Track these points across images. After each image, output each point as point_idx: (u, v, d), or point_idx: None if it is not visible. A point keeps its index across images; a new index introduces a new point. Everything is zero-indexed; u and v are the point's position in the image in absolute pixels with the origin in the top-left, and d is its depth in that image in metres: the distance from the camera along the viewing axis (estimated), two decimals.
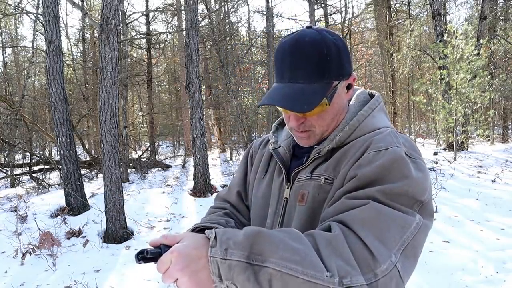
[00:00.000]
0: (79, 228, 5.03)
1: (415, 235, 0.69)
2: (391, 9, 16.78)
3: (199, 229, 0.86)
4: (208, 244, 0.64)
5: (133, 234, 4.99)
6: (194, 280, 0.62)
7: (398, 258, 0.66)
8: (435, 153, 10.34)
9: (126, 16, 10.67)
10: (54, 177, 9.48)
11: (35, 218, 5.10)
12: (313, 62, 0.79)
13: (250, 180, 1.06)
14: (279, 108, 0.85)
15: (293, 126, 0.85)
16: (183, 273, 0.61)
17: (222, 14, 13.59)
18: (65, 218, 5.22)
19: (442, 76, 9.53)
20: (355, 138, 0.83)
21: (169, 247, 0.64)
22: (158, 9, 12.25)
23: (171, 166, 11.65)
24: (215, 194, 7.65)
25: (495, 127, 14.53)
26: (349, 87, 0.87)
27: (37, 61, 13.49)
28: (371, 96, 0.95)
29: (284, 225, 0.88)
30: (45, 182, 8.58)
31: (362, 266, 0.63)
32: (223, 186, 7.94)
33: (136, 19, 13.60)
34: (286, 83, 0.81)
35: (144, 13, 11.87)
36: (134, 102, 18.43)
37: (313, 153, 0.86)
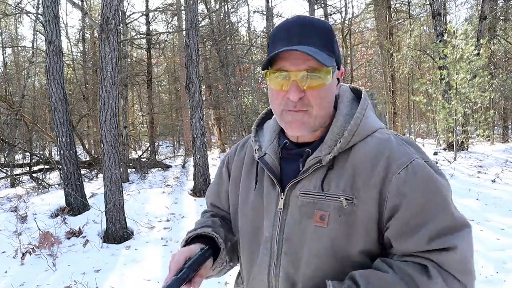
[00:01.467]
0: (79, 228, 5.03)
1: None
2: (391, 9, 16.78)
3: (192, 238, 0.92)
4: None
5: (133, 234, 4.99)
6: None
7: (474, 271, 0.77)
8: (435, 153, 10.34)
9: (126, 16, 10.68)
10: (54, 177, 9.48)
11: (35, 218, 5.09)
12: (323, 34, 0.78)
13: (230, 190, 0.99)
14: (271, 84, 0.79)
15: (292, 98, 0.76)
16: None
17: (222, 14, 13.60)
18: (65, 218, 5.22)
19: (442, 76, 9.52)
20: (354, 143, 0.80)
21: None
22: (158, 9, 12.25)
23: (171, 166, 11.65)
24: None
25: (495, 127, 14.53)
26: (338, 80, 0.85)
27: (37, 61, 13.49)
28: (354, 91, 0.92)
29: (286, 239, 0.83)
30: (45, 182, 8.58)
31: None
32: None
33: (136, 19, 13.62)
34: (295, 45, 0.75)
35: (144, 13, 11.87)
36: (134, 102, 18.43)
37: (310, 160, 0.81)
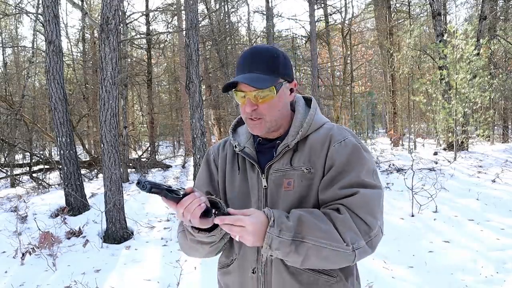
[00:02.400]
0: (79, 228, 5.03)
1: (382, 200, 1.05)
2: (391, 9, 16.78)
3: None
4: (266, 221, 0.95)
5: (133, 234, 4.99)
6: (254, 239, 0.93)
7: (380, 221, 1.02)
8: (435, 153, 10.34)
9: (126, 16, 10.67)
10: (54, 177, 9.48)
11: (35, 218, 5.09)
12: (266, 60, 1.07)
13: (220, 181, 1.22)
14: (237, 100, 1.09)
15: (247, 111, 1.06)
16: (251, 234, 0.93)
17: (222, 14, 13.59)
18: (65, 218, 5.22)
19: (442, 76, 9.52)
20: (311, 131, 1.11)
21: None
22: (158, 9, 12.25)
23: (171, 166, 11.65)
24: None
25: (495, 127, 14.53)
26: (291, 90, 1.13)
27: (37, 61, 13.49)
28: (305, 99, 1.23)
29: (270, 207, 1.06)
30: (45, 182, 8.58)
31: (363, 234, 0.97)
32: None
33: (136, 19, 13.60)
34: (245, 73, 1.06)
35: (144, 13, 11.87)
36: (134, 102, 18.43)
37: (280, 147, 1.10)
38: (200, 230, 1.04)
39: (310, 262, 0.95)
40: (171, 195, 0.95)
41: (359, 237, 0.96)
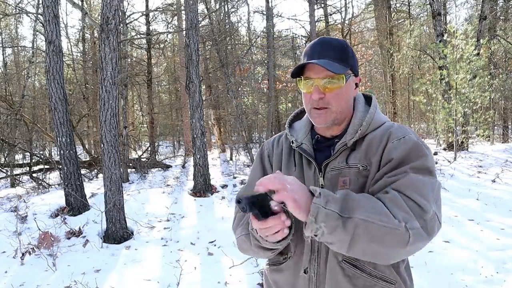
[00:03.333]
0: (79, 228, 5.03)
1: (439, 191, 0.97)
2: (391, 9, 16.77)
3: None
4: (311, 195, 0.89)
5: (133, 234, 4.99)
6: (297, 207, 0.86)
7: (435, 208, 0.93)
8: (435, 153, 10.34)
9: (126, 16, 10.67)
10: (54, 177, 9.48)
11: (35, 218, 5.09)
12: (338, 50, 1.05)
13: None
14: (301, 89, 1.07)
15: (314, 98, 1.03)
16: (293, 201, 0.85)
17: (222, 14, 13.59)
18: (65, 218, 5.22)
19: (442, 76, 9.52)
20: (370, 131, 1.07)
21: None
22: (158, 9, 12.24)
23: (171, 166, 11.64)
24: (215, 194, 7.70)
25: (495, 127, 14.53)
26: (356, 85, 1.11)
27: (37, 61, 13.49)
28: (365, 96, 1.19)
29: None
30: (45, 182, 8.57)
31: (416, 215, 0.88)
32: (223, 186, 7.94)
33: (136, 19, 13.60)
34: (316, 59, 1.03)
35: (144, 13, 11.87)
36: (134, 102, 18.42)
37: (338, 145, 1.07)
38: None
39: (359, 244, 0.86)
40: (258, 211, 0.89)
41: (411, 217, 0.87)
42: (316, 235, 0.88)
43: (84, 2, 12.81)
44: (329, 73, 1.01)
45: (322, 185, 1.07)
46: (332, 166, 1.06)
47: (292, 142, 1.15)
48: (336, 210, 0.86)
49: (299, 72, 1.06)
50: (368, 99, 1.18)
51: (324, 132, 1.13)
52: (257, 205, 0.87)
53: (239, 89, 13.07)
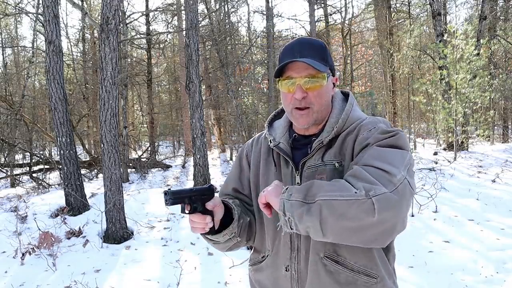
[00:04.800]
0: (79, 228, 5.03)
1: (411, 163, 0.95)
2: (391, 9, 16.76)
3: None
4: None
5: (133, 234, 4.99)
6: (273, 205, 0.96)
7: (406, 174, 0.89)
8: (435, 153, 10.34)
9: (126, 16, 10.67)
10: (54, 177, 9.48)
11: (35, 218, 5.09)
12: (318, 49, 1.06)
13: (252, 175, 1.22)
14: (282, 89, 1.07)
15: (297, 97, 1.03)
16: (273, 199, 0.96)
17: (222, 14, 13.58)
18: (65, 218, 5.22)
19: (442, 76, 9.51)
20: (346, 127, 1.07)
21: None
22: (158, 9, 12.25)
23: (171, 166, 11.65)
24: (216, 194, 7.64)
25: (495, 127, 14.53)
26: (334, 85, 1.13)
27: (37, 61, 13.48)
28: (343, 93, 1.20)
29: None
30: (45, 182, 8.57)
31: (382, 181, 0.86)
32: None
33: (136, 19, 13.61)
34: (297, 58, 1.02)
35: (144, 13, 11.87)
36: (134, 102, 18.42)
37: (315, 143, 1.07)
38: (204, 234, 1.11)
39: (329, 225, 0.84)
40: (191, 206, 1.04)
41: (375, 183, 0.85)
42: (292, 228, 0.91)
43: (84, 2, 12.81)
44: (310, 72, 1.01)
45: (298, 183, 1.08)
46: (309, 164, 1.07)
47: (270, 142, 1.16)
48: (299, 199, 0.89)
49: (279, 73, 1.05)
50: (346, 96, 1.18)
51: (302, 131, 1.14)
52: (185, 200, 1.01)
53: (239, 89, 13.07)
